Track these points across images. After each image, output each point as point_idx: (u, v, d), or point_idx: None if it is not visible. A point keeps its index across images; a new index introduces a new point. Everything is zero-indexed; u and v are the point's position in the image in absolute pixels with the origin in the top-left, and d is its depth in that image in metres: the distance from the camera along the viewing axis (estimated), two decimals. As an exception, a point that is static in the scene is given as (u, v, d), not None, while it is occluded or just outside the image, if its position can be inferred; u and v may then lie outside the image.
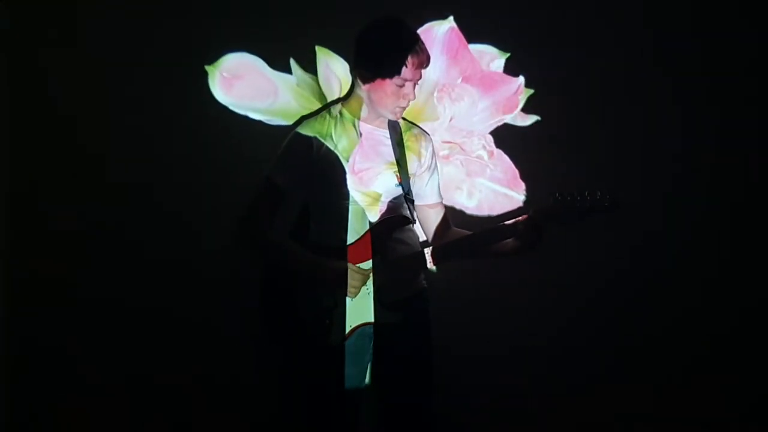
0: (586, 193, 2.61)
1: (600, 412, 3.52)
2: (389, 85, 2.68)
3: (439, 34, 3.32)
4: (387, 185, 2.80)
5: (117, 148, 3.39)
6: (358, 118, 2.79)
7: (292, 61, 3.32)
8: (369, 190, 2.78)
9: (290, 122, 3.15)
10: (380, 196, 2.79)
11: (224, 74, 3.30)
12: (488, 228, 2.82)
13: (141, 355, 3.39)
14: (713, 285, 3.54)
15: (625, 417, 3.53)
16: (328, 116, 2.81)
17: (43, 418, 3.41)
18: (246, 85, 3.33)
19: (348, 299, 2.76)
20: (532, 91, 3.42)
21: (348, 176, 2.76)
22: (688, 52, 3.49)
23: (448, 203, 3.21)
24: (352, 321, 2.76)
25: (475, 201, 3.42)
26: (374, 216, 2.79)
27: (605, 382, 3.51)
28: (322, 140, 2.77)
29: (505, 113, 3.40)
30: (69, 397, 3.40)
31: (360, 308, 2.76)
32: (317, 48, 3.33)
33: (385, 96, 2.70)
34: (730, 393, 3.53)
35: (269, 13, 3.35)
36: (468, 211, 3.42)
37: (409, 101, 2.73)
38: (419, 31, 3.15)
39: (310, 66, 3.35)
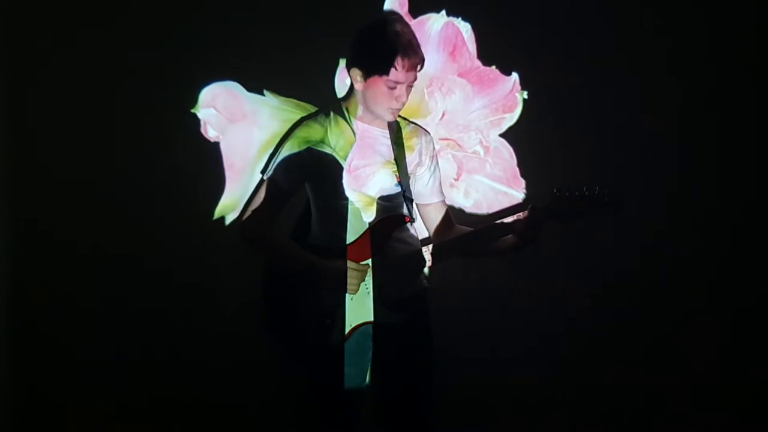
0: (585, 189, 2.67)
1: (601, 412, 3.53)
2: (381, 86, 2.69)
3: (433, 31, 3.31)
4: (384, 183, 2.81)
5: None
6: (356, 117, 2.81)
7: (266, 92, 3.30)
8: (366, 189, 2.79)
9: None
10: (377, 196, 2.81)
11: (209, 131, 3.28)
12: (487, 225, 2.85)
13: (139, 354, 3.43)
14: (715, 284, 3.54)
15: (626, 417, 3.53)
16: (322, 120, 2.83)
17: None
18: (222, 114, 3.29)
19: (348, 299, 2.77)
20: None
21: (344, 175, 2.78)
22: (688, 50, 3.51)
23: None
24: (352, 320, 2.78)
25: (472, 200, 3.42)
26: (371, 216, 2.80)
27: (607, 382, 3.50)
28: (316, 148, 2.79)
29: (505, 112, 3.40)
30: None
31: (360, 308, 2.78)
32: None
33: (379, 96, 2.72)
34: (731, 393, 3.53)
35: (243, 43, 3.35)
36: (467, 210, 3.42)
37: (402, 103, 2.75)
38: (412, 23, 3.21)
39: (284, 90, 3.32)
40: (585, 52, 3.44)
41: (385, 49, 2.67)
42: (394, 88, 2.69)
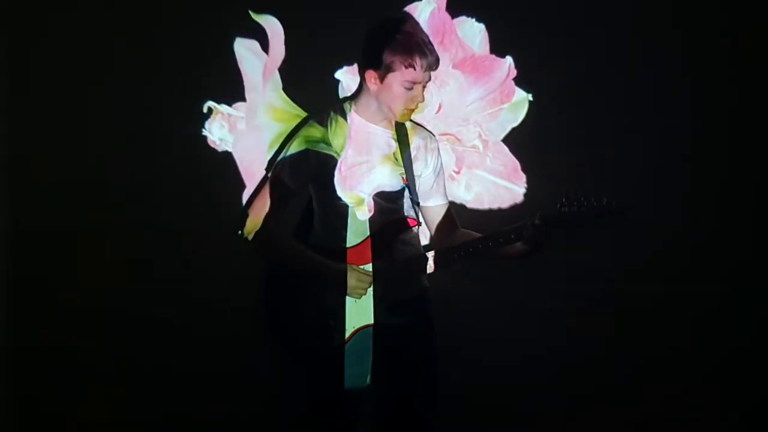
0: (593, 199, 2.62)
1: (603, 414, 3.52)
2: (399, 87, 2.71)
3: (421, 21, 3.23)
4: (382, 180, 2.80)
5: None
6: (360, 116, 2.81)
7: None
8: (362, 186, 2.79)
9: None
10: (375, 192, 2.80)
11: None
12: (494, 232, 2.79)
13: (139, 359, 3.45)
14: (718, 287, 3.52)
15: (627, 418, 3.52)
16: (325, 120, 2.82)
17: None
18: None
19: (353, 300, 2.78)
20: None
21: (336, 174, 2.78)
22: (695, 52, 3.48)
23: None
24: (355, 322, 2.79)
25: (473, 193, 3.41)
26: (364, 214, 2.80)
27: (611, 383, 3.50)
28: (319, 149, 2.78)
29: (503, 102, 3.39)
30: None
31: (363, 310, 2.80)
32: None
33: (395, 97, 2.73)
34: (730, 393, 3.54)
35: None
36: (469, 205, 3.41)
37: (417, 103, 2.77)
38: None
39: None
40: (587, 52, 3.45)
41: (403, 49, 2.68)
42: (411, 88, 2.71)
